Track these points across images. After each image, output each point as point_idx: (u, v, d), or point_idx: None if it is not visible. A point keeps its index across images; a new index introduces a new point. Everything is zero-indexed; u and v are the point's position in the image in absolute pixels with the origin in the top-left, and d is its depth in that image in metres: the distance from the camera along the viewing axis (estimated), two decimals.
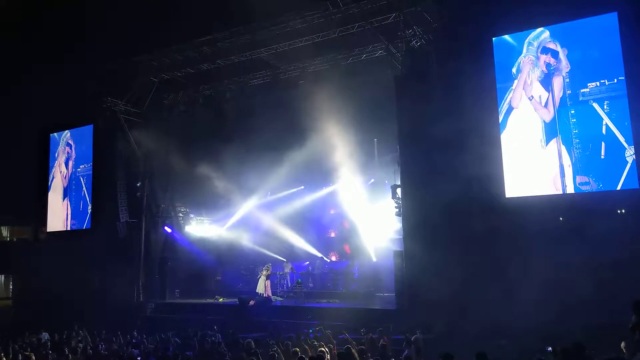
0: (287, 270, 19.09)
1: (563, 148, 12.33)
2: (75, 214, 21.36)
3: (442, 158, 13.01)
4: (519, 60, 13.10)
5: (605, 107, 11.90)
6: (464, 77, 12.93)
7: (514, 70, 13.15)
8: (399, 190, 14.27)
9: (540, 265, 11.30)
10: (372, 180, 18.58)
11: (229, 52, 17.53)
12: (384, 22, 14.94)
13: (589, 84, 12.15)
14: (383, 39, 15.19)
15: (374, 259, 18.19)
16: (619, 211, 11.72)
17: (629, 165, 11.57)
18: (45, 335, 13.34)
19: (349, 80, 17.31)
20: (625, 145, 11.61)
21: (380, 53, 15.96)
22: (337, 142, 16.89)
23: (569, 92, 12.40)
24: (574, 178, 12.16)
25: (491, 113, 13.20)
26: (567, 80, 12.45)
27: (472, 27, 13.33)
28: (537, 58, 12.87)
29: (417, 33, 14.63)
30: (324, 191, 19.71)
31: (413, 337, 9.93)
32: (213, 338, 11.45)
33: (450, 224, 12.83)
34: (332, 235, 20.37)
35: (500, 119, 13.17)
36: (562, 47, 12.56)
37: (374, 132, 17.46)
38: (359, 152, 17.56)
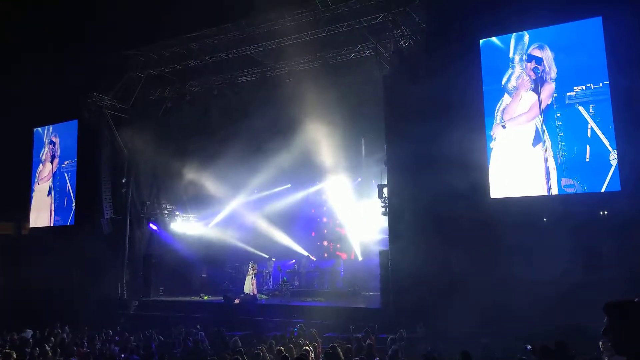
0: (270, 268, 19.06)
1: (549, 150, 12.47)
2: (59, 210, 21.09)
3: (428, 158, 13.09)
4: (509, 74, 13.15)
5: (590, 110, 12.06)
6: (452, 78, 13.03)
7: (503, 81, 13.20)
8: (385, 190, 14.33)
9: (523, 266, 11.40)
10: (359, 179, 18.62)
11: (217, 48, 17.45)
12: (372, 22, 14.98)
13: (575, 88, 12.30)
14: (371, 38, 15.23)
15: (360, 258, 18.25)
16: (601, 213, 11.89)
17: (612, 169, 11.73)
18: (29, 333, 13.13)
19: (337, 79, 17.28)
20: (610, 148, 11.76)
21: (369, 53, 15.98)
22: (324, 140, 16.89)
23: (555, 95, 12.54)
24: (559, 180, 12.30)
25: (478, 114, 13.31)
26: (554, 83, 12.60)
27: (459, 28, 13.43)
28: (524, 68, 12.99)
29: (406, 33, 14.68)
30: (311, 190, 19.71)
31: (397, 336, 10.00)
32: (197, 336, 11.40)
33: (436, 223, 12.91)
34: (319, 233, 20.38)
35: (492, 130, 13.27)
36: (550, 51, 12.69)
37: (361, 131, 17.53)
38: (347, 151, 17.57)
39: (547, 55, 12.72)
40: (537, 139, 12.68)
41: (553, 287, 10.87)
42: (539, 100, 12.69)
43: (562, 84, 12.48)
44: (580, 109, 12.20)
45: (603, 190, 11.84)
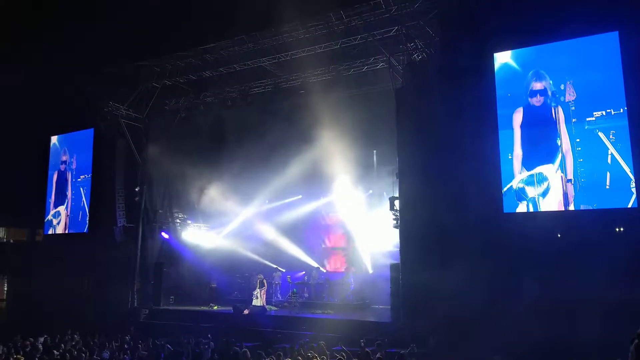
0: (277, 279, 19.01)
1: (567, 175, 12.22)
2: (74, 222, 21.26)
3: (440, 172, 13.04)
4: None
5: (610, 136, 11.78)
6: (465, 92, 12.99)
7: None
8: (397, 203, 14.27)
9: (536, 282, 11.26)
10: (371, 191, 18.58)
11: (232, 60, 17.60)
12: (386, 35, 15.00)
13: (594, 113, 12.04)
14: (385, 51, 15.26)
15: (371, 271, 18.13)
16: (617, 229, 11.68)
17: (634, 197, 11.39)
18: (40, 340, 13.14)
19: (350, 91, 17.41)
20: (631, 176, 11.43)
21: (382, 65, 16.02)
22: (336, 152, 16.91)
23: (574, 120, 12.27)
24: (578, 207, 12.02)
25: (491, 128, 13.23)
26: (573, 108, 12.33)
27: (473, 42, 13.38)
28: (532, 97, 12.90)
29: (419, 47, 14.72)
30: (322, 201, 19.68)
31: (409, 351, 9.88)
32: (206, 346, 11.38)
33: (447, 238, 12.79)
34: (329, 245, 20.30)
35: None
36: (568, 78, 12.46)
37: (373, 144, 17.54)
38: (358, 162, 17.59)
39: (548, 83, 12.60)
40: (557, 163, 12.48)
41: (567, 304, 10.70)
42: (557, 123, 12.47)
43: (581, 109, 12.19)
44: (600, 134, 11.89)
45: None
